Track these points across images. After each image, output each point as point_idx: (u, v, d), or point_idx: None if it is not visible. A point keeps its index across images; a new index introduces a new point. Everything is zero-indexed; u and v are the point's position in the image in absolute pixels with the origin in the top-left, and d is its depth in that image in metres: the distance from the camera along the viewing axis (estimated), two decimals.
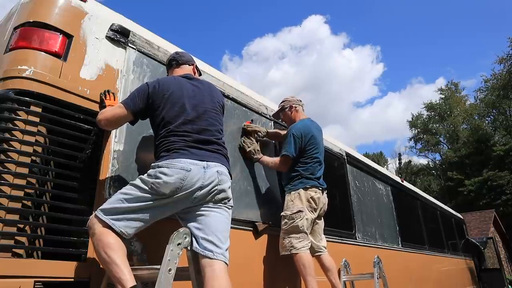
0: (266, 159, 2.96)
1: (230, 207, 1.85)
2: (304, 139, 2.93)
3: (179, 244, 1.58)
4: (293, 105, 3.17)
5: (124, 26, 2.19)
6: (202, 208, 1.74)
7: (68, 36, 1.92)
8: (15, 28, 1.89)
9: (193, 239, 1.68)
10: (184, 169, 1.69)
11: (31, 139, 1.66)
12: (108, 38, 2.10)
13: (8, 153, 1.60)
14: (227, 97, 2.81)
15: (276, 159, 2.99)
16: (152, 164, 1.77)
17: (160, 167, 1.70)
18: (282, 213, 2.82)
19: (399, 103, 76.54)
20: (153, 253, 1.78)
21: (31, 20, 1.86)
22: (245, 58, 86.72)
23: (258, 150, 2.92)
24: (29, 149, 1.64)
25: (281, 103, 3.23)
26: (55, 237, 1.65)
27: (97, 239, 1.57)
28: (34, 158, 1.66)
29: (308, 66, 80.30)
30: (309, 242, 2.77)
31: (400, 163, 44.97)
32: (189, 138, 1.81)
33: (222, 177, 1.79)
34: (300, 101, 3.23)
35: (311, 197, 2.84)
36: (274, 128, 3.32)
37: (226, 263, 1.67)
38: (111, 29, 2.12)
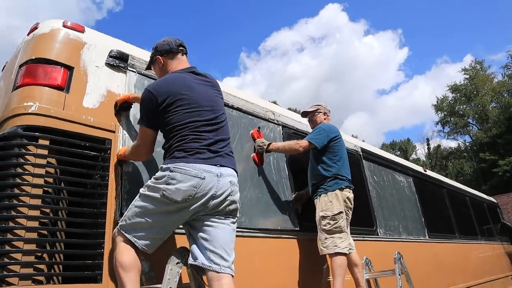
0: (277, 144, 2.99)
1: (236, 217, 1.87)
2: (332, 135, 3.04)
3: (178, 263, 1.63)
4: (327, 113, 3.33)
5: (122, 51, 2.26)
6: (212, 219, 1.75)
7: (69, 68, 2.01)
8: (20, 66, 2.00)
9: (199, 251, 1.68)
10: (198, 176, 1.67)
11: (42, 171, 1.75)
12: (108, 64, 2.18)
13: (22, 187, 1.69)
14: (231, 107, 2.84)
15: (291, 142, 3.05)
16: (162, 165, 1.75)
17: (172, 171, 1.68)
18: (322, 214, 2.87)
19: (425, 85, 74.10)
20: (161, 271, 1.83)
21: (33, 57, 1.96)
22: (263, 54, 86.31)
23: (263, 141, 2.94)
24: (40, 181, 1.73)
25: (317, 105, 3.35)
26: (71, 262, 1.73)
27: (115, 256, 1.68)
28: (46, 188, 1.75)
29: (328, 56, 79.32)
30: (349, 243, 2.86)
31: (429, 148, 43.77)
32: (208, 142, 1.79)
33: (234, 188, 1.81)
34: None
35: (347, 198, 2.94)
36: (283, 134, 3.33)
37: (232, 275, 1.69)
38: (110, 55, 2.20)
